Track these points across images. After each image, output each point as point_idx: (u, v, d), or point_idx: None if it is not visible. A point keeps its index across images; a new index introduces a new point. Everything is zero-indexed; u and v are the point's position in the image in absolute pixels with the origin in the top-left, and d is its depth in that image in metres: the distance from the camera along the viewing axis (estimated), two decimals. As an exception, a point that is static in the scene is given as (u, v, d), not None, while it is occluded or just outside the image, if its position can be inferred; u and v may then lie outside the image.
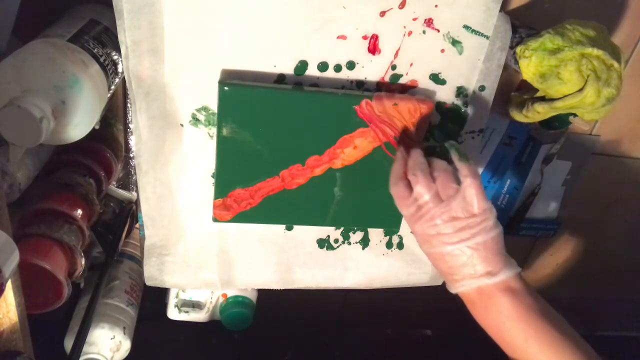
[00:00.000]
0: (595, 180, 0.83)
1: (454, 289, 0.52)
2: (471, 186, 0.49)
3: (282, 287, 0.67)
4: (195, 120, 0.54)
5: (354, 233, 0.65)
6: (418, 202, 0.51)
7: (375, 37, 0.53)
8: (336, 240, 0.66)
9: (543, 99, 0.57)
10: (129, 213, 0.71)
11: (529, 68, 0.55)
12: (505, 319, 0.49)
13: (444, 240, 0.50)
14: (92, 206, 0.59)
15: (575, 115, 0.59)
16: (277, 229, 0.63)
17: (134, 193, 0.70)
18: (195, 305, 0.73)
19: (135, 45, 0.48)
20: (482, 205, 0.49)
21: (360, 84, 0.56)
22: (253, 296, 0.74)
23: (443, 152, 0.60)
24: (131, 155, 0.67)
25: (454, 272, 0.51)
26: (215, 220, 0.60)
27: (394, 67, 0.56)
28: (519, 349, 0.49)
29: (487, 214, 0.50)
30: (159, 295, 0.72)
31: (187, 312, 0.72)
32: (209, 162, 0.57)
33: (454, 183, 0.50)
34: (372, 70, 0.55)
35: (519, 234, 0.82)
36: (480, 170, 0.76)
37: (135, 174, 0.63)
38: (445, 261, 0.51)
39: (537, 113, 0.58)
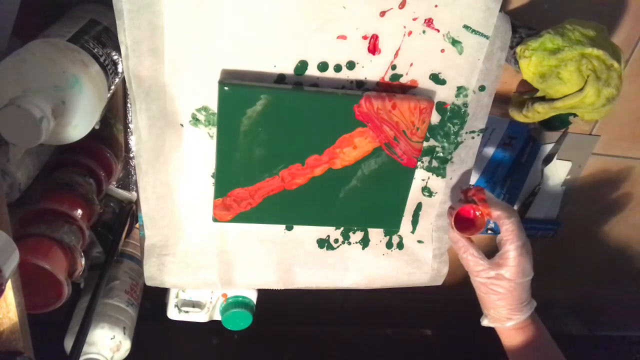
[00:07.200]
0: (595, 180, 0.83)
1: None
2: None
3: (282, 287, 0.67)
4: (195, 120, 0.54)
5: (354, 233, 0.65)
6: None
7: (375, 37, 0.53)
8: (336, 240, 0.66)
9: (543, 99, 0.57)
10: (129, 213, 0.71)
11: (529, 68, 0.55)
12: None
13: None
14: (92, 206, 0.59)
15: (575, 115, 0.59)
16: (277, 229, 0.63)
17: (134, 193, 0.70)
18: (195, 305, 0.73)
19: (135, 45, 0.48)
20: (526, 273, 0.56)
21: (360, 84, 0.56)
22: (253, 296, 0.74)
23: (442, 154, 0.60)
24: (131, 155, 0.67)
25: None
26: (215, 220, 0.60)
27: (394, 67, 0.56)
28: None
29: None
30: (159, 295, 0.72)
31: (187, 312, 0.72)
32: (208, 162, 0.57)
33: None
34: (372, 70, 0.55)
35: (519, 234, 0.82)
36: (480, 170, 0.76)
37: (135, 174, 0.63)
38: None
39: (537, 113, 0.58)
